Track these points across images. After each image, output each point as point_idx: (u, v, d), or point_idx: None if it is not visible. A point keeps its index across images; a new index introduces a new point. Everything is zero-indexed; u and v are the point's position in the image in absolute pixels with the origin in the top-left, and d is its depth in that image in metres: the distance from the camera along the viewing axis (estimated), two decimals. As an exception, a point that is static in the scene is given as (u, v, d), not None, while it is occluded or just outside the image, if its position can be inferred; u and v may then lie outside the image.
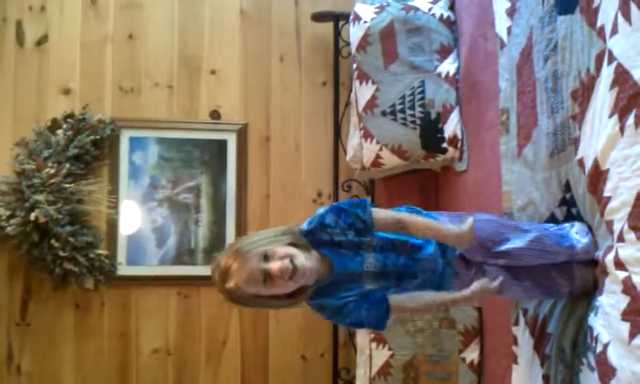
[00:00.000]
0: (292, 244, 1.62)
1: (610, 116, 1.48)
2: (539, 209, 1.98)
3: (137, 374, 3.36)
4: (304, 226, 1.69)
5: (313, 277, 1.64)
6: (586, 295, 1.69)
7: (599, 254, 1.60)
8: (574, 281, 1.71)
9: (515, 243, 1.72)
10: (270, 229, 1.71)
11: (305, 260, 1.60)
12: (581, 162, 1.67)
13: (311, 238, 1.67)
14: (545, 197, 1.94)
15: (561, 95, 1.81)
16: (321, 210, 1.70)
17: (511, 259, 1.71)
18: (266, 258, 1.57)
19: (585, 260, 1.69)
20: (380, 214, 1.71)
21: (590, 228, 1.70)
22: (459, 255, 1.72)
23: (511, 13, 2.26)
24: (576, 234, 1.72)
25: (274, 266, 1.56)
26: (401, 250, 1.72)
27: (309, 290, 1.66)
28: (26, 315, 3.28)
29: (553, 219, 1.89)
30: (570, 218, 1.81)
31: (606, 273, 1.54)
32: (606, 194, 1.51)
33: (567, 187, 1.81)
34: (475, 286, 1.68)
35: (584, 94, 1.66)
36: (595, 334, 1.54)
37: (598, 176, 1.56)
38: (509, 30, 2.27)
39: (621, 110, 1.44)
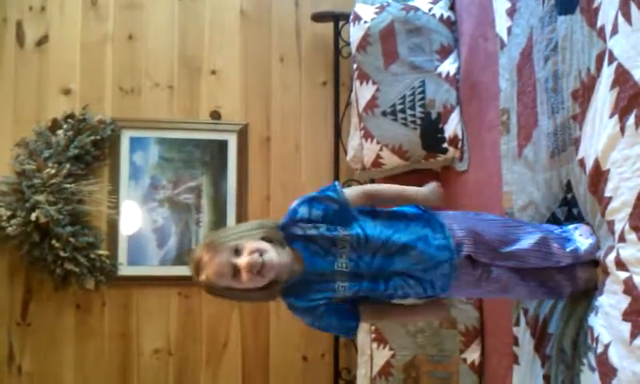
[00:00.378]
0: (265, 238, 1.62)
1: (611, 116, 1.48)
2: (540, 209, 1.97)
3: (138, 374, 3.36)
4: (281, 220, 1.71)
5: (284, 272, 1.63)
6: (587, 295, 1.69)
7: (600, 254, 1.60)
8: (577, 281, 1.71)
9: (521, 245, 1.71)
10: (245, 222, 1.73)
11: (275, 255, 1.60)
12: (582, 162, 1.67)
13: (286, 233, 1.67)
14: (546, 197, 1.94)
15: (561, 95, 1.81)
16: (294, 203, 1.70)
17: (516, 261, 1.70)
18: (237, 252, 1.58)
19: (587, 261, 1.69)
20: (349, 190, 1.74)
21: (592, 228, 1.69)
22: (466, 255, 1.69)
23: (511, 13, 2.26)
24: (580, 236, 1.71)
25: (243, 260, 1.56)
26: (385, 249, 1.67)
27: (279, 284, 1.65)
28: (26, 315, 3.28)
29: (554, 219, 1.89)
30: (571, 218, 1.81)
31: (606, 273, 1.54)
32: (607, 194, 1.51)
33: (568, 187, 1.80)
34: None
35: (584, 94, 1.66)
36: (596, 334, 1.54)
37: (598, 176, 1.56)
38: (509, 30, 2.27)
39: (621, 111, 1.44)
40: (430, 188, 1.84)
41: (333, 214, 1.68)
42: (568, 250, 1.69)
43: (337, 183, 1.74)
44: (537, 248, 1.71)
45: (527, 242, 1.71)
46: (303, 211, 1.69)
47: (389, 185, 1.84)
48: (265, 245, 1.60)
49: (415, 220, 1.74)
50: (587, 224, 1.71)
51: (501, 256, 1.70)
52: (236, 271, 1.58)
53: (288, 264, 1.63)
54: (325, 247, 1.66)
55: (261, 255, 1.57)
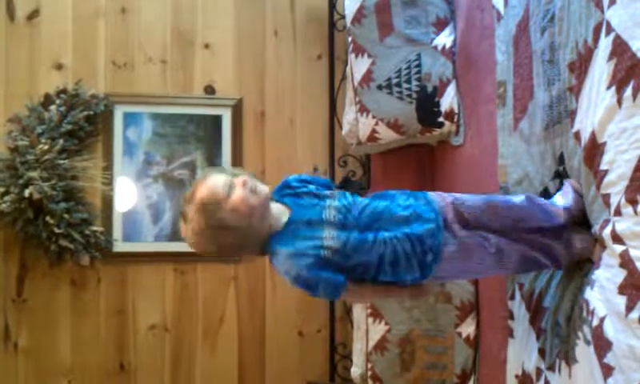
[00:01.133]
0: None
1: (608, 88, 1.46)
2: (533, 182, 1.96)
3: (134, 351, 3.36)
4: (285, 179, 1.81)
5: (272, 215, 1.68)
6: (581, 269, 1.69)
7: (595, 228, 1.59)
8: (572, 250, 1.69)
9: (508, 200, 1.75)
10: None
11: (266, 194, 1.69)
12: (577, 135, 1.66)
13: (276, 195, 1.76)
14: (540, 170, 1.92)
15: (557, 67, 1.79)
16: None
17: (504, 220, 1.70)
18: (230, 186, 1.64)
19: (578, 221, 1.69)
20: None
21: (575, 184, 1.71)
22: (453, 217, 1.70)
23: (508, -17, 2.23)
24: (560, 196, 1.74)
25: (238, 179, 1.65)
26: (372, 209, 1.70)
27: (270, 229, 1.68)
28: (22, 292, 3.28)
29: (545, 193, 1.88)
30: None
31: (604, 247, 1.53)
32: (603, 167, 1.50)
33: (561, 160, 1.79)
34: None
35: (581, 65, 1.64)
36: (591, 307, 1.53)
37: (594, 149, 1.54)
38: (506, 1, 2.24)
39: (619, 82, 1.42)
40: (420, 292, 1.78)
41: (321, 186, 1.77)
42: (554, 207, 1.71)
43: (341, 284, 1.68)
44: (526, 203, 1.72)
45: (515, 199, 1.75)
46: (293, 178, 1.79)
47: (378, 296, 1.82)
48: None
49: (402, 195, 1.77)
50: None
51: (488, 213, 1.70)
52: (231, 188, 1.63)
53: (276, 213, 1.69)
54: (313, 201, 1.71)
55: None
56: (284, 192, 1.76)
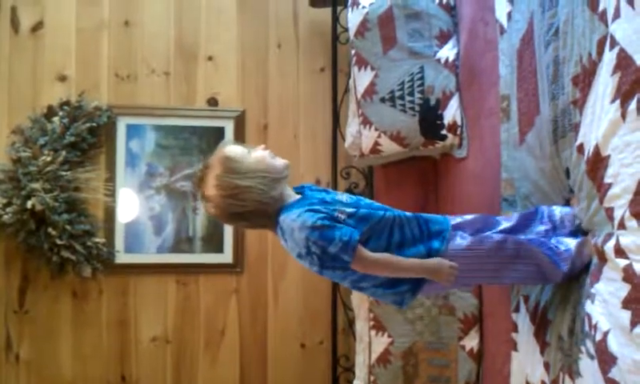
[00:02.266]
0: None
1: (612, 101, 1.46)
2: (550, 196, 1.95)
3: (136, 362, 3.35)
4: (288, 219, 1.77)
5: (286, 188, 1.75)
6: (579, 281, 1.68)
7: (597, 240, 1.58)
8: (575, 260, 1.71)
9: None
10: None
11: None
12: (580, 148, 1.66)
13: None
14: (553, 184, 1.92)
15: (562, 81, 1.79)
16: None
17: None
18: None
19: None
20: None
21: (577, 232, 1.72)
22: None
23: (511, -2, 2.24)
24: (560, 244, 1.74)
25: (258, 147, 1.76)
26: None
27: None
28: (24, 303, 3.27)
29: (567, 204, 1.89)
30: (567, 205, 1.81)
31: (604, 260, 1.52)
32: (607, 180, 1.49)
33: (567, 174, 1.79)
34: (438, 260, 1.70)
35: (585, 79, 1.64)
36: (594, 321, 1.52)
37: (598, 162, 1.54)
38: (509, 15, 2.25)
39: (623, 96, 1.42)
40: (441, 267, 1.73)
41: None
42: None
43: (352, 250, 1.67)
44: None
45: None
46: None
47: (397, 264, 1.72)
48: None
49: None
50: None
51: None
52: (251, 150, 1.73)
53: (288, 192, 1.75)
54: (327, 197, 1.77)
55: None
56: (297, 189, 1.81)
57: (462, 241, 1.72)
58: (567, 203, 1.87)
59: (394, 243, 1.69)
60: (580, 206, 1.71)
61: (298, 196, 1.75)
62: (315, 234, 1.61)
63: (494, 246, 1.73)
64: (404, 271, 1.70)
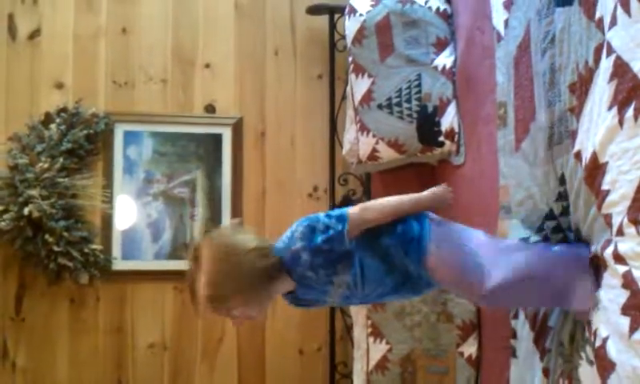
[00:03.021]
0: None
1: (609, 108, 1.47)
2: (539, 204, 1.96)
3: (133, 369, 3.35)
4: (280, 245, 1.70)
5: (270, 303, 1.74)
6: None
7: (597, 247, 1.58)
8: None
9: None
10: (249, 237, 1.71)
11: (261, 312, 1.70)
12: (578, 155, 1.66)
13: (284, 264, 1.68)
14: (545, 191, 1.92)
15: (558, 88, 1.80)
16: (297, 233, 1.67)
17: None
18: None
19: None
20: (352, 215, 1.69)
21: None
22: None
23: (508, 5, 2.24)
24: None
25: (235, 313, 1.66)
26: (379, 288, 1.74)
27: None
28: (20, 310, 3.27)
29: (551, 214, 1.88)
30: (566, 212, 1.80)
31: (605, 267, 1.53)
32: (605, 187, 1.50)
33: (562, 181, 1.79)
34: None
35: (582, 86, 1.64)
36: (594, 328, 1.53)
37: (595, 169, 1.54)
38: (506, 22, 2.25)
39: (620, 103, 1.42)
40: (434, 192, 1.84)
41: (335, 257, 1.67)
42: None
43: (345, 214, 1.69)
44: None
45: None
46: (305, 258, 1.66)
47: (388, 202, 1.75)
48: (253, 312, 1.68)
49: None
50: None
51: None
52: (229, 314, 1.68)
53: (279, 290, 1.71)
54: (320, 286, 1.70)
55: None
56: (291, 266, 1.68)
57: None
58: (550, 212, 1.87)
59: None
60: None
61: (289, 286, 1.73)
62: (301, 227, 1.66)
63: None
64: (404, 207, 1.74)
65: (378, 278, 1.72)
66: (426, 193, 1.79)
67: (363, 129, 3.02)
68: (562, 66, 1.77)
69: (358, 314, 2.78)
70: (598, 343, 1.49)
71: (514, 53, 2.15)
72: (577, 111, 1.67)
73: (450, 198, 1.80)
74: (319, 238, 1.64)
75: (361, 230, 1.68)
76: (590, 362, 1.54)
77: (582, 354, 1.61)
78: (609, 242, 1.50)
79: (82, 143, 3.27)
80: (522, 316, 2.07)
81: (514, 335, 2.12)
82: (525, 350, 2.03)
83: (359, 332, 2.87)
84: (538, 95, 1.95)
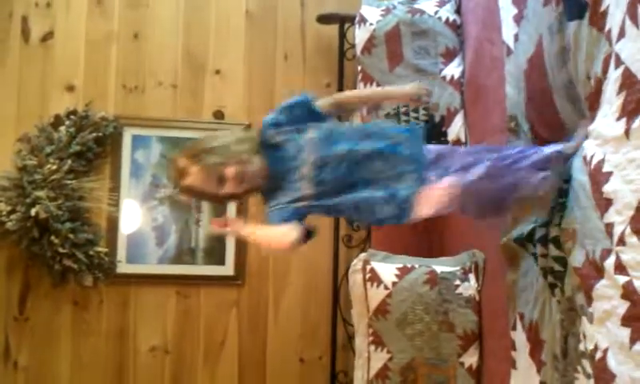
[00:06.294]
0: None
1: (618, 120, 1.47)
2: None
3: (134, 372, 3.35)
4: (267, 120, 1.88)
5: (256, 179, 1.81)
6: (570, 301, 1.68)
7: (595, 252, 1.57)
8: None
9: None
10: (229, 132, 2.01)
11: (253, 166, 1.79)
12: (584, 160, 1.66)
13: (260, 140, 1.84)
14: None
15: (579, 103, 1.80)
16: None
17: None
18: (220, 179, 1.76)
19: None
20: (320, 101, 1.95)
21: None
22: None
23: (518, 20, 2.24)
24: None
25: (230, 171, 1.75)
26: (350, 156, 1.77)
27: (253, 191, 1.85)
28: (24, 310, 3.27)
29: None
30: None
31: (601, 276, 1.51)
32: (607, 196, 1.50)
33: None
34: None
35: (592, 97, 1.65)
36: (592, 340, 1.52)
37: (599, 176, 1.54)
38: (516, 37, 2.25)
39: (628, 114, 1.43)
40: (412, 86, 1.92)
41: (303, 118, 1.87)
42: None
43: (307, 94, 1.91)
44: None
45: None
46: (273, 116, 1.88)
47: (362, 89, 1.90)
48: (246, 157, 1.79)
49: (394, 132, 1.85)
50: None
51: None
52: (221, 180, 1.76)
53: (258, 171, 1.80)
54: (292, 153, 1.80)
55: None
56: (266, 137, 1.84)
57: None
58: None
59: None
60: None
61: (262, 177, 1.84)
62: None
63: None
64: (378, 92, 1.95)
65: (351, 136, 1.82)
66: (400, 87, 1.94)
67: (370, 138, 3.02)
68: (576, 78, 1.77)
69: (360, 322, 2.77)
70: (598, 355, 1.49)
71: (525, 67, 2.14)
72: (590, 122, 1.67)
73: (425, 94, 1.91)
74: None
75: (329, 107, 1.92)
76: (588, 376, 1.54)
77: (579, 368, 1.60)
78: (609, 251, 1.49)
79: (91, 146, 3.29)
80: (519, 327, 2.06)
81: (514, 346, 2.12)
82: (524, 361, 2.02)
83: (360, 340, 2.86)
84: (561, 107, 1.93)
